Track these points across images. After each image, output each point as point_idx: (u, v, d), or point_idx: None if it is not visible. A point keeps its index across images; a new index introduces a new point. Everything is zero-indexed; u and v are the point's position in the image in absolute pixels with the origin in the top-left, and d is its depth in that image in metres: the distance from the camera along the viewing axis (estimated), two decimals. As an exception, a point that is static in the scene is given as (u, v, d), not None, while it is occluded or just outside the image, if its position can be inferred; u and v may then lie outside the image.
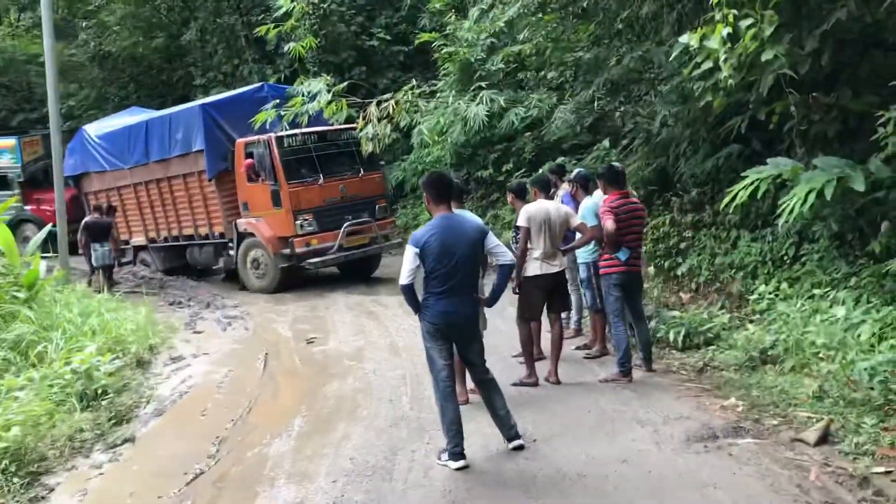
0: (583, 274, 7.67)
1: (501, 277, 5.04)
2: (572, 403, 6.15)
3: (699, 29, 6.74)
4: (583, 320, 8.46)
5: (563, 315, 8.16)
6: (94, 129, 15.89)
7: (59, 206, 12.60)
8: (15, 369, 7.52)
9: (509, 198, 7.66)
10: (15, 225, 19.23)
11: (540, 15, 10.80)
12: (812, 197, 6.22)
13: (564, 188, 8.28)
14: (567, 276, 8.16)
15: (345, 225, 12.60)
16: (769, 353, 6.39)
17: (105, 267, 12.93)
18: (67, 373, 7.16)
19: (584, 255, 7.54)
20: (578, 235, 7.00)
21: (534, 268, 6.59)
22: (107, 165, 15.27)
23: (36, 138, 19.98)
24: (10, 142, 19.56)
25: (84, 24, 22.70)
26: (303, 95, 12.47)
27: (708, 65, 6.73)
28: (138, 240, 15.41)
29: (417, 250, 4.87)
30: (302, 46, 14.64)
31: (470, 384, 5.89)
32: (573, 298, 8.30)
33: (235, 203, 13.24)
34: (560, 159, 13.50)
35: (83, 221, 13.55)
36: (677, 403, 5.90)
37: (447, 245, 4.83)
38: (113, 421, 6.46)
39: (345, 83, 12.89)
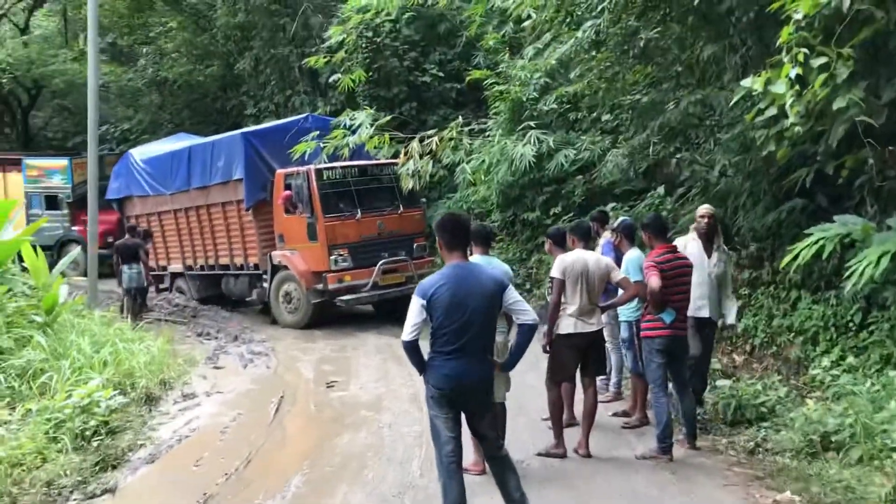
0: (624, 333, 7.00)
1: (521, 338, 4.40)
2: (602, 483, 5.45)
3: (764, 72, 6.11)
4: (623, 382, 7.75)
5: (601, 378, 7.50)
6: (140, 154, 15.84)
7: (90, 227, 12.42)
8: (10, 399, 7.18)
9: (546, 245, 7.06)
10: (62, 245, 19.38)
11: (593, 53, 10.25)
12: (886, 260, 5.55)
13: (606, 237, 7.64)
14: (607, 334, 7.52)
15: (380, 262, 12.13)
16: (833, 438, 5.59)
17: (134, 290, 12.61)
18: (67, 407, 6.77)
19: (626, 312, 6.90)
20: (620, 291, 6.36)
21: (567, 325, 5.95)
22: (149, 190, 15.16)
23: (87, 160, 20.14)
24: (62, 163, 19.76)
25: (144, 50, 22.99)
26: (345, 127, 12.16)
27: (772, 111, 6.07)
28: (176, 266, 15.21)
29: (424, 302, 4.26)
30: (351, 79, 14.38)
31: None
32: (613, 358, 7.63)
33: (271, 234, 12.91)
34: (611, 205, 12.89)
35: (115, 244, 13.42)
36: (722, 493, 5.15)
37: (458, 298, 4.21)
38: (100, 466, 5.98)
39: (388, 117, 12.51)
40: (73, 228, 19.53)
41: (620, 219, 7.67)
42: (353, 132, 11.96)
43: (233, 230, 13.57)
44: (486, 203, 16.57)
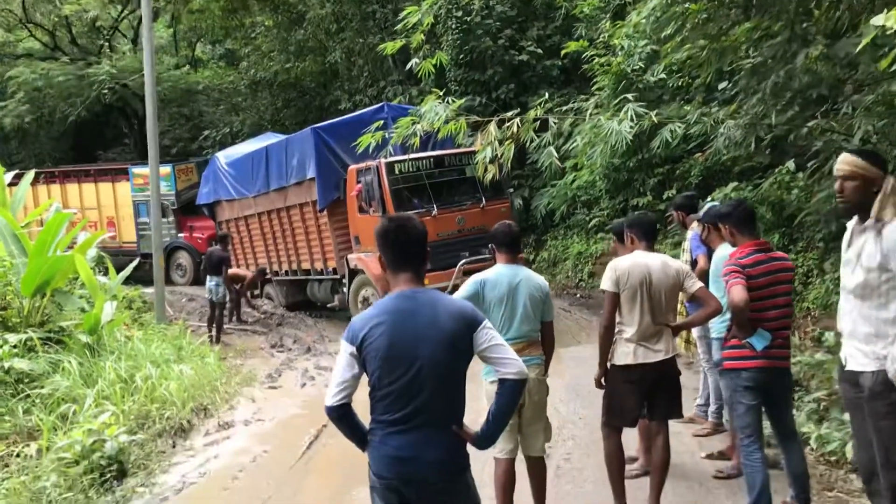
0: (716, 354, 5.36)
1: (502, 399, 2.96)
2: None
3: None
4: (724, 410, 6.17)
5: (698, 404, 6.04)
6: (225, 157, 15.42)
7: (155, 236, 11.86)
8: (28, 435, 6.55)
9: (613, 244, 5.63)
10: (169, 252, 19.40)
11: (686, 5, 8.54)
12: None
13: (694, 229, 6.05)
14: (700, 350, 6.01)
15: (460, 263, 10.89)
16: None
17: (212, 303, 12.05)
18: (68, 448, 6.03)
19: (720, 325, 5.25)
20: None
21: (624, 353, 4.50)
22: (234, 193, 14.70)
23: (190, 165, 20.08)
24: (165, 170, 19.69)
25: (245, 52, 22.83)
26: (416, 115, 11.02)
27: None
28: (263, 271, 14.67)
29: (353, 349, 2.91)
30: (433, 64, 13.22)
31: None
32: (710, 380, 6.07)
33: (348, 236, 12.00)
34: (732, 185, 11.19)
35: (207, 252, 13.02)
36: None
37: (402, 344, 2.86)
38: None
39: (462, 100, 11.24)
40: (179, 235, 19.49)
41: (707, 205, 6.04)
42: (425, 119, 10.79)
43: (311, 233, 12.80)
44: (593, 189, 15.09)
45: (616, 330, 4.52)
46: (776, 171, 10.76)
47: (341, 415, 2.97)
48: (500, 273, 4.39)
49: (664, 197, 13.11)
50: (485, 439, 3.03)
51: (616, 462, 4.57)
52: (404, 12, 12.66)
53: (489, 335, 2.90)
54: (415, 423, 2.88)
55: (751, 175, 11.75)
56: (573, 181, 15.01)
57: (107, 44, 25.20)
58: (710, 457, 5.50)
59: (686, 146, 12.67)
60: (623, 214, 14.31)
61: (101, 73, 21.47)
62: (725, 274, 4.19)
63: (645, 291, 4.45)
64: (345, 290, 12.21)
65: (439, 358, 2.86)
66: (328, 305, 13.06)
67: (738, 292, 4.06)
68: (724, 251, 5.14)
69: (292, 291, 14.28)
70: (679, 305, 5.98)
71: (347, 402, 2.96)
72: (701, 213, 5.77)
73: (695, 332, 5.94)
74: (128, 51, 24.83)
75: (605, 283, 4.53)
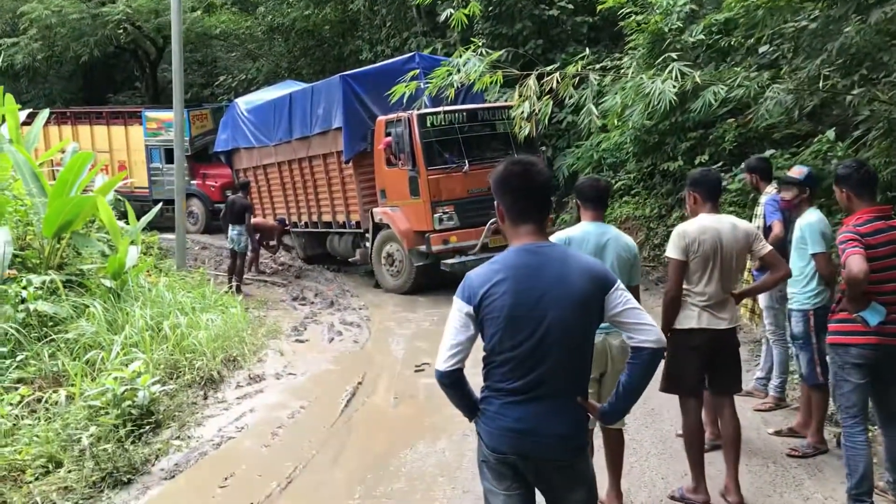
0: (797, 327, 4.96)
1: (637, 371, 2.58)
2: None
3: None
4: (787, 383, 5.90)
5: (758, 378, 5.79)
6: (245, 103, 14.96)
7: (178, 181, 11.51)
8: (53, 381, 6.29)
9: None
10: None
11: (752, -41, 8.11)
12: None
13: (769, 193, 5.72)
14: (767, 322, 5.72)
15: (490, 221, 10.56)
16: None
17: (234, 252, 11.77)
18: (97, 396, 5.78)
19: (802, 297, 4.89)
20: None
21: (688, 317, 4.20)
22: (254, 141, 14.30)
23: (205, 112, 19.66)
24: (180, 115, 19.26)
25: (263, -2, 22.22)
26: (452, 66, 10.60)
27: None
28: (281, 222, 14.36)
29: (470, 309, 2.58)
30: (465, 14, 12.74)
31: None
32: (775, 353, 5.79)
33: (373, 189, 11.65)
34: (769, 152, 10.82)
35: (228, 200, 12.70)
36: None
37: (528, 303, 2.52)
38: (109, 481, 4.87)
39: (500, 52, 10.82)
40: (192, 182, 19.10)
41: (798, 167, 5.64)
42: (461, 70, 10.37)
43: (334, 185, 12.44)
44: (620, 151, 14.69)
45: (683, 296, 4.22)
46: (815, 140, 10.42)
47: (453, 381, 2.67)
48: (586, 231, 4.05)
49: (696, 162, 12.71)
50: (613, 413, 2.73)
51: (697, 437, 4.29)
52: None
53: (624, 297, 2.57)
54: (537, 393, 2.57)
55: (789, 143, 11.40)
56: (599, 143, 14.63)
57: (120, -18, 24.43)
58: (778, 433, 5.22)
59: (719, 110, 12.26)
60: (651, 178, 13.96)
61: (115, 12, 20.83)
62: (841, 242, 3.85)
63: (716, 258, 4.14)
64: (367, 244, 11.92)
65: (568, 320, 2.53)
66: (349, 260, 12.77)
67: (857, 262, 3.73)
68: (809, 217, 4.82)
69: (311, 244, 13.99)
70: (746, 273, 5.70)
71: (461, 367, 2.66)
72: (794, 173, 5.37)
73: (761, 301, 5.66)
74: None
75: (672, 251, 4.21)
